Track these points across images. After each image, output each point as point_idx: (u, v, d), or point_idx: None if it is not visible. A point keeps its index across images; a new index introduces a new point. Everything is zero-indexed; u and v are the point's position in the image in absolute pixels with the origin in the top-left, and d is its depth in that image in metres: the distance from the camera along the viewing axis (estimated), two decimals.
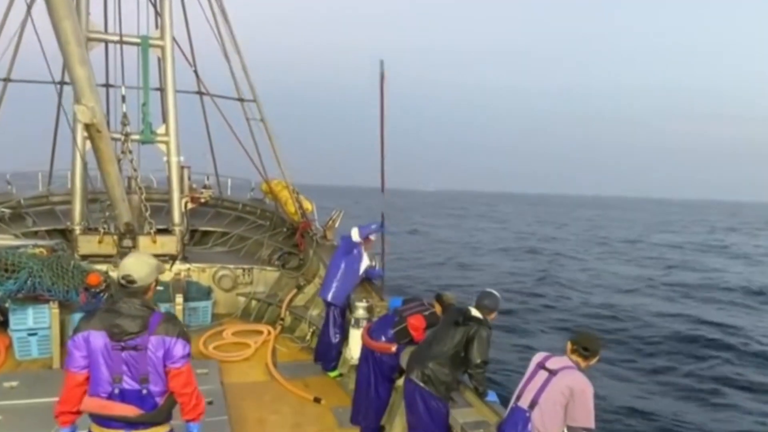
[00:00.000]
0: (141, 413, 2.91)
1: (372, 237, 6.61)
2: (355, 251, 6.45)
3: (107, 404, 2.89)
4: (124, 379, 2.88)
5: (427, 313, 5.09)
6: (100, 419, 2.93)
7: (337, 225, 8.90)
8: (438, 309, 5.13)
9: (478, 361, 4.25)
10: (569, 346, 3.76)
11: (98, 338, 2.87)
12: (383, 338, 5.11)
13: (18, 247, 6.14)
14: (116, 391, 2.88)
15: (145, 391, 2.91)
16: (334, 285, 6.29)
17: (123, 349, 2.86)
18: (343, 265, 6.37)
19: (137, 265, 2.99)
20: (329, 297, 6.30)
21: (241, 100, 9.47)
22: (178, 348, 2.93)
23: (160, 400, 2.96)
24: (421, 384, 4.24)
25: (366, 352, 5.22)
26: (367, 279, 6.89)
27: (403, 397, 4.50)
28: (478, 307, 4.47)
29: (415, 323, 5.02)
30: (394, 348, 5.02)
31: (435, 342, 4.39)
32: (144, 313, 2.92)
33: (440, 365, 4.23)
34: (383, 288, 7.07)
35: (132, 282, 2.93)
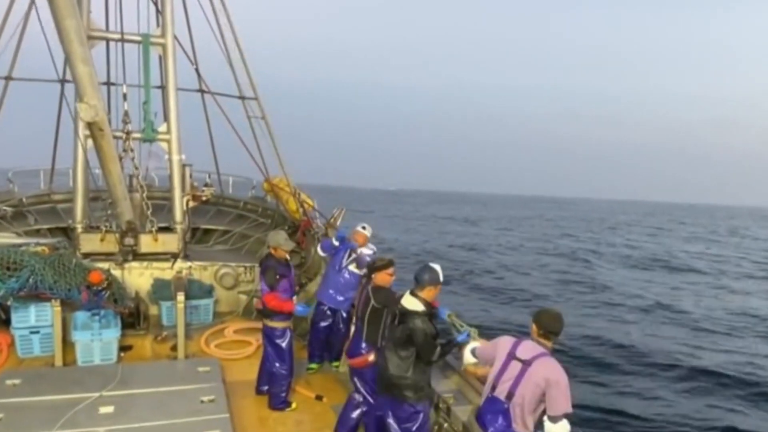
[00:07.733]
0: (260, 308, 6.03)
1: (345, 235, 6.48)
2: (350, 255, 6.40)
3: None
4: None
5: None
6: None
7: (338, 223, 8.89)
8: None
9: (430, 360, 4.02)
10: (534, 328, 3.64)
11: None
12: (362, 351, 4.80)
13: (20, 245, 6.13)
14: None
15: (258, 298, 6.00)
16: (340, 295, 6.34)
17: None
18: (338, 270, 6.37)
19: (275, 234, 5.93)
20: (335, 305, 6.35)
21: (242, 98, 9.46)
22: (261, 285, 5.49)
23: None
24: (388, 395, 4.10)
25: (351, 373, 4.98)
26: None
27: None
28: (417, 286, 4.06)
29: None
30: (371, 357, 4.68)
31: (386, 349, 4.18)
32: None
33: (399, 370, 4.03)
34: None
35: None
